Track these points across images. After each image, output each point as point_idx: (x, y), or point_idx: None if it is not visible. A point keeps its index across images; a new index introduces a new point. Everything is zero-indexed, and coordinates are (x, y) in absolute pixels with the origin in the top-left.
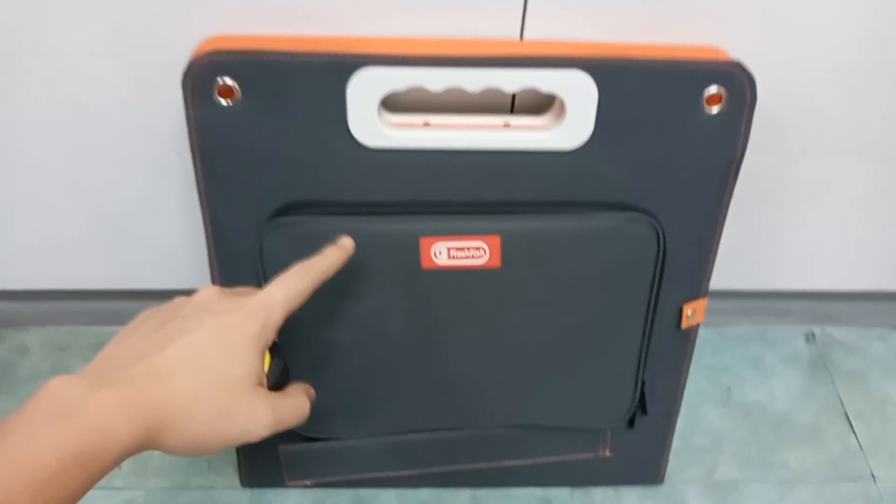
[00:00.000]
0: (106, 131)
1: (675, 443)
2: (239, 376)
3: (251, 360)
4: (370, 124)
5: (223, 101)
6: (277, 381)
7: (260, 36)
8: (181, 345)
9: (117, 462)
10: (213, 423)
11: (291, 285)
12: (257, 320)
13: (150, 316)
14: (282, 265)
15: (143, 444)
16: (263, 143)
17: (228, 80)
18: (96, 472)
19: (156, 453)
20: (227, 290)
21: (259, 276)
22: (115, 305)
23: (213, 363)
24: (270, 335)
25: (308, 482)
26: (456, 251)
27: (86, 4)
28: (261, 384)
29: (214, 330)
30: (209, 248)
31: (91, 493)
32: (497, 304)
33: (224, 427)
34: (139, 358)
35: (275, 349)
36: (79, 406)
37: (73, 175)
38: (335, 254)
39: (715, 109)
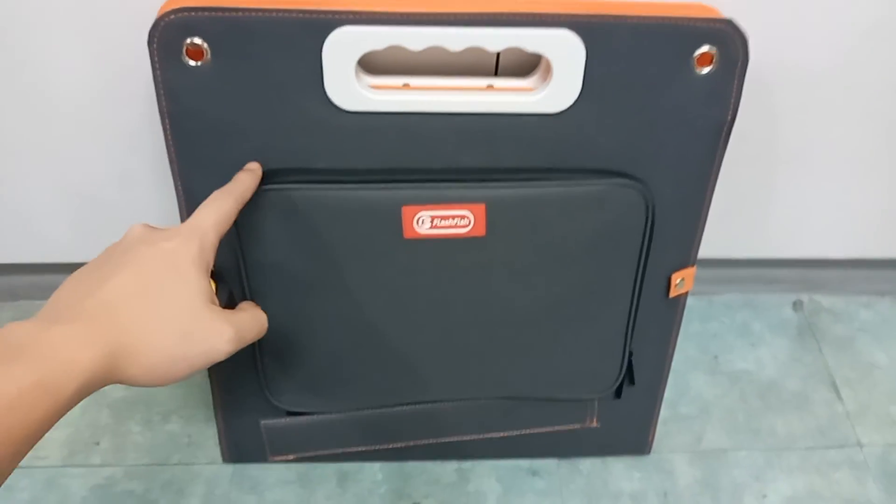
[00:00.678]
0: (70, 97)
1: (663, 412)
2: (191, 296)
3: (199, 280)
4: (347, 86)
5: (192, 63)
6: (227, 305)
7: None
8: (126, 275)
9: (83, 392)
10: (174, 347)
11: (217, 206)
12: (194, 243)
13: (85, 267)
14: (259, 237)
15: (107, 374)
16: (235, 107)
17: (197, 40)
18: (61, 401)
19: (135, 428)
20: (154, 226)
21: (235, 248)
22: None
23: (162, 289)
24: (209, 257)
25: (291, 457)
26: (439, 220)
27: None
28: (213, 303)
29: (155, 258)
30: (182, 218)
31: (69, 470)
32: (482, 274)
33: (186, 349)
34: (87, 294)
35: (217, 276)
36: (32, 342)
37: (38, 144)
38: (247, 177)
39: (706, 70)
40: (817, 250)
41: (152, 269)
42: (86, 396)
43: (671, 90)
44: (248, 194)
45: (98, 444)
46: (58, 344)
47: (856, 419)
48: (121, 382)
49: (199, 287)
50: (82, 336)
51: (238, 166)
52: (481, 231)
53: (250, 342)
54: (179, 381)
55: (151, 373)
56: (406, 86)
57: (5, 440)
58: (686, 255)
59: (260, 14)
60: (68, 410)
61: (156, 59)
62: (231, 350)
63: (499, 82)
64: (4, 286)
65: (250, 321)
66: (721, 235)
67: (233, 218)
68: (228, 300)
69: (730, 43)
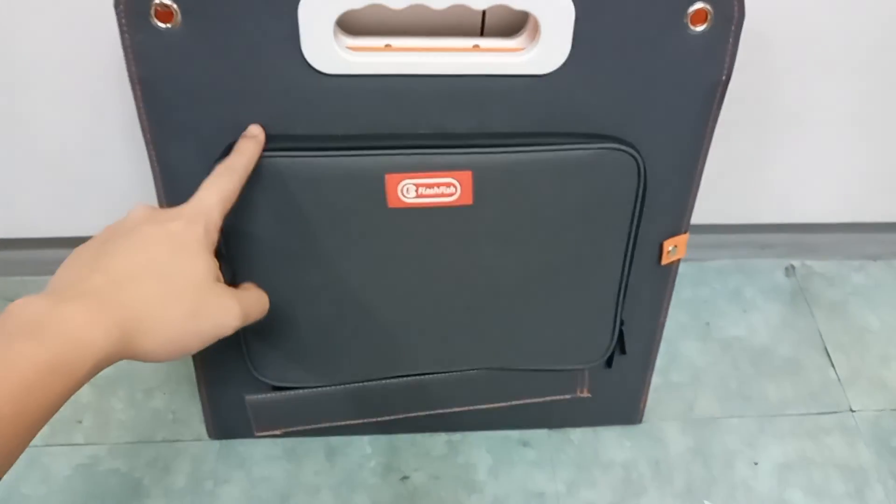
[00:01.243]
0: (35, 63)
1: (654, 379)
2: (199, 274)
3: (205, 259)
4: (326, 48)
5: (161, 25)
6: (230, 284)
7: None
8: (134, 254)
9: (97, 369)
10: (185, 322)
11: (221, 186)
12: (199, 223)
13: (88, 244)
14: (236, 208)
15: (121, 350)
16: (208, 71)
17: (167, 1)
18: (76, 379)
19: (118, 406)
20: (156, 207)
21: None
22: (64, 254)
23: (169, 266)
24: (214, 236)
25: (277, 432)
26: (425, 188)
27: None
28: (219, 280)
29: (161, 237)
30: (157, 190)
31: (51, 449)
32: (469, 243)
33: (197, 323)
34: (94, 271)
35: (221, 255)
36: (45, 319)
37: (3, 113)
38: (251, 146)
39: (700, 28)
40: (809, 215)
41: (160, 248)
42: (97, 373)
43: (664, 49)
44: (251, 166)
45: (80, 422)
46: (71, 322)
47: (848, 384)
48: (133, 358)
49: (206, 265)
50: (95, 314)
51: (213, 134)
52: (468, 199)
53: (254, 321)
54: (190, 354)
55: (164, 347)
56: (388, 47)
57: (22, 420)
58: (679, 221)
59: None
60: (80, 388)
61: (123, 22)
62: (237, 325)
63: (485, 42)
64: None
65: (254, 299)
66: (712, 201)
67: (236, 195)
68: (231, 280)
69: (725, 0)
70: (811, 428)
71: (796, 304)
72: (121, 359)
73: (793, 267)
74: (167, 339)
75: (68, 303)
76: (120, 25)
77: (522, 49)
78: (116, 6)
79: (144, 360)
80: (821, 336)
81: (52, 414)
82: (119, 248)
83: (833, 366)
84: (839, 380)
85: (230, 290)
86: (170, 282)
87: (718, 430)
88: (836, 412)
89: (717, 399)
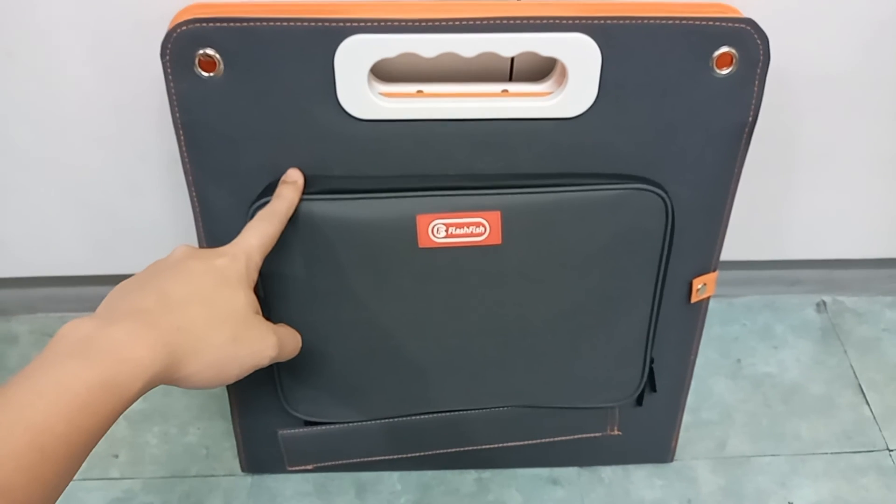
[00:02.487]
0: (81, 109)
1: (685, 417)
2: (241, 304)
3: (247, 292)
4: (360, 94)
5: (205, 74)
6: None
7: (241, 3)
8: (180, 283)
9: (144, 390)
10: (227, 347)
11: (262, 230)
12: (241, 260)
13: (134, 278)
14: (273, 249)
15: (166, 372)
16: (248, 117)
17: (210, 51)
18: (126, 398)
19: (152, 441)
20: (198, 248)
21: None
22: (103, 291)
23: (214, 295)
24: (254, 275)
25: (309, 467)
26: (455, 228)
27: None
28: (258, 313)
29: (206, 270)
30: (198, 229)
31: (87, 484)
32: (499, 282)
33: (237, 350)
34: (141, 298)
35: (258, 296)
36: (96, 340)
37: (49, 157)
38: (291, 192)
39: (725, 71)
40: (839, 250)
41: (205, 279)
42: (145, 393)
43: (690, 92)
44: (291, 211)
45: (116, 456)
46: (121, 343)
47: (883, 423)
48: (175, 383)
49: (247, 297)
50: (143, 335)
51: (252, 177)
52: (497, 239)
53: (287, 358)
54: (228, 382)
55: (206, 372)
56: (419, 93)
57: (76, 439)
58: (707, 260)
59: (272, 24)
60: (129, 407)
61: (168, 70)
62: (273, 356)
63: (513, 87)
64: (21, 299)
65: (289, 336)
66: (741, 237)
67: (276, 238)
68: (267, 319)
69: (750, 43)
70: (845, 467)
71: (828, 340)
72: (166, 381)
73: (824, 303)
74: (210, 363)
75: (117, 323)
76: (165, 74)
77: (550, 93)
78: (163, 56)
79: (185, 386)
80: (854, 373)
81: (103, 433)
82: (166, 277)
83: (868, 403)
84: (874, 418)
85: (268, 322)
86: (214, 309)
87: (751, 470)
88: (871, 451)
89: (749, 437)
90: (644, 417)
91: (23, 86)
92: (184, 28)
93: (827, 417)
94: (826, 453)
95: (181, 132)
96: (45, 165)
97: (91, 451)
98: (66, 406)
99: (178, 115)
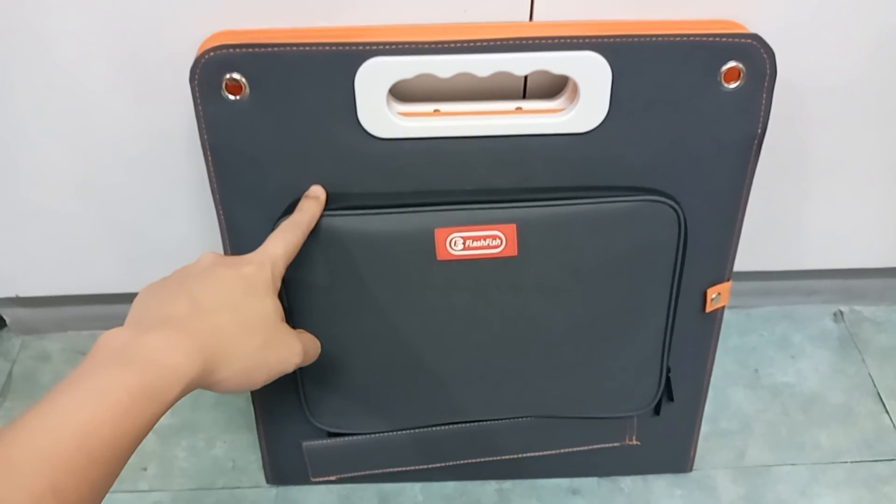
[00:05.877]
0: (112, 133)
1: (704, 427)
2: (269, 312)
3: (274, 300)
4: (380, 114)
5: (231, 97)
6: None
7: (265, 30)
8: (210, 290)
9: (181, 395)
10: (257, 354)
11: (286, 239)
12: (267, 268)
13: (161, 282)
14: (297, 263)
15: (202, 377)
16: (273, 137)
17: (236, 76)
18: (166, 403)
19: (181, 454)
20: (224, 255)
21: None
22: None
23: (243, 303)
24: (278, 283)
25: (332, 478)
26: (471, 241)
27: (86, 3)
28: (283, 321)
29: (234, 278)
30: (224, 245)
31: (117, 496)
32: (515, 294)
33: (266, 356)
34: (172, 305)
35: (282, 305)
36: (134, 349)
37: (81, 179)
38: (313, 206)
39: (733, 85)
40: (855, 260)
41: (234, 286)
42: (183, 397)
43: (699, 106)
44: (313, 223)
45: (146, 469)
46: (158, 350)
47: None
48: (208, 387)
49: (274, 305)
50: (179, 343)
51: (276, 195)
52: (513, 251)
53: (309, 363)
54: (255, 387)
55: (238, 377)
56: (436, 112)
57: (119, 443)
58: (721, 269)
59: (295, 49)
60: (167, 411)
61: (197, 94)
62: (298, 363)
63: (527, 104)
64: (53, 317)
65: (311, 342)
66: (757, 248)
67: (298, 248)
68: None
69: (757, 58)
70: (866, 476)
71: (846, 350)
72: (200, 386)
73: (841, 313)
74: (240, 369)
75: (153, 331)
76: (194, 97)
77: (563, 109)
78: (192, 80)
79: (217, 390)
80: (873, 382)
81: (143, 437)
82: (196, 284)
83: (887, 412)
84: (894, 426)
85: (293, 330)
86: (244, 316)
87: (771, 479)
88: (892, 460)
89: (769, 447)
90: (662, 427)
91: (59, 113)
92: (212, 54)
93: (847, 426)
94: (846, 462)
95: (209, 153)
96: (78, 188)
97: (132, 455)
98: (110, 411)
99: (205, 136)
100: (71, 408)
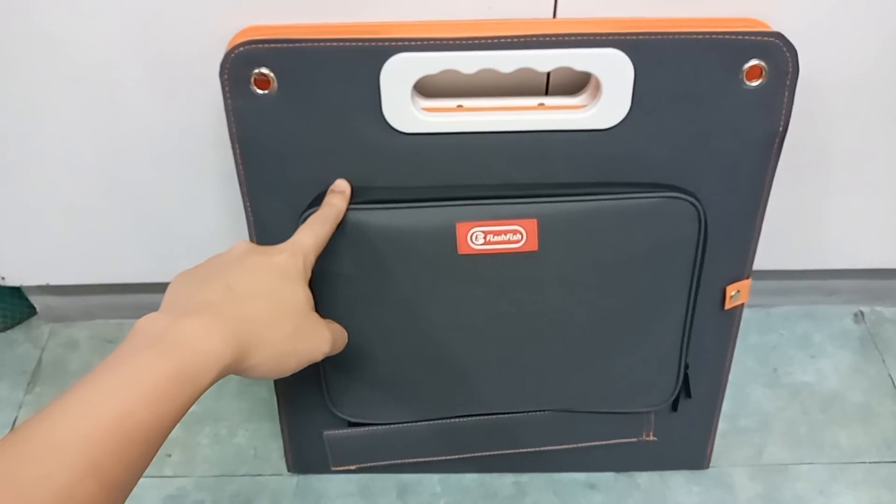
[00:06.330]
0: (141, 128)
1: (722, 425)
2: (301, 300)
3: (305, 289)
4: (404, 109)
5: (259, 91)
6: None
7: (292, 25)
8: (243, 277)
9: (216, 379)
10: (288, 341)
11: (316, 231)
12: (299, 259)
13: (196, 268)
14: (322, 255)
15: (235, 362)
16: (299, 131)
17: (265, 70)
18: (201, 387)
19: (204, 441)
20: (255, 244)
21: None
22: (159, 299)
23: (277, 291)
24: (309, 273)
25: (352, 467)
26: (492, 236)
27: (115, 0)
28: (313, 310)
29: (267, 266)
30: (250, 239)
31: (143, 481)
32: (535, 288)
33: (296, 345)
34: (206, 291)
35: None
36: (171, 334)
37: (111, 173)
38: (339, 200)
39: (755, 83)
40: (877, 260)
41: (268, 274)
42: (217, 381)
43: (721, 103)
44: (340, 217)
45: (170, 456)
46: (194, 335)
47: None
48: (240, 373)
49: (305, 294)
50: (215, 328)
51: (302, 188)
52: (534, 246)
53: (336, 352)
54: (286, 374)
55: (269, 363)
56: (459, 107)
57: (156, 425)
58: (741, 267)
59: (322, 45)
60: (202, 395)
61: (226, 88)
62: (327, 352)
63: (549, 101)
64: (81, 306)
65: (339, 332)
66: (778, 246)
67: (327, 240)
68: None
69: (779, 56)
70: (886, 476)
71: (866, 350)
72: (233, 371)
73: (862, 313)
74: (272, 355)
75: (189, 317)
76: (224, 92)
77: (585, 106)
78: (221, 75)
79: (248, 375)
80: (893, 382)
81: (178, 421)
82: (231, 271)
83: None
84: None
85: (322, 319)
86: (277, 303)
87: (789, 477)
88: None
89: (787, 445)
90: (680, 423)
91: (88, 109)
92: (241, 49)
93: (866, 426)
94: (865, 462)
95: (237, 146)
96: (108, 182)
97: (166, 438)
98: (147, 394)
99: (234, 130)
100: (110, 390)
